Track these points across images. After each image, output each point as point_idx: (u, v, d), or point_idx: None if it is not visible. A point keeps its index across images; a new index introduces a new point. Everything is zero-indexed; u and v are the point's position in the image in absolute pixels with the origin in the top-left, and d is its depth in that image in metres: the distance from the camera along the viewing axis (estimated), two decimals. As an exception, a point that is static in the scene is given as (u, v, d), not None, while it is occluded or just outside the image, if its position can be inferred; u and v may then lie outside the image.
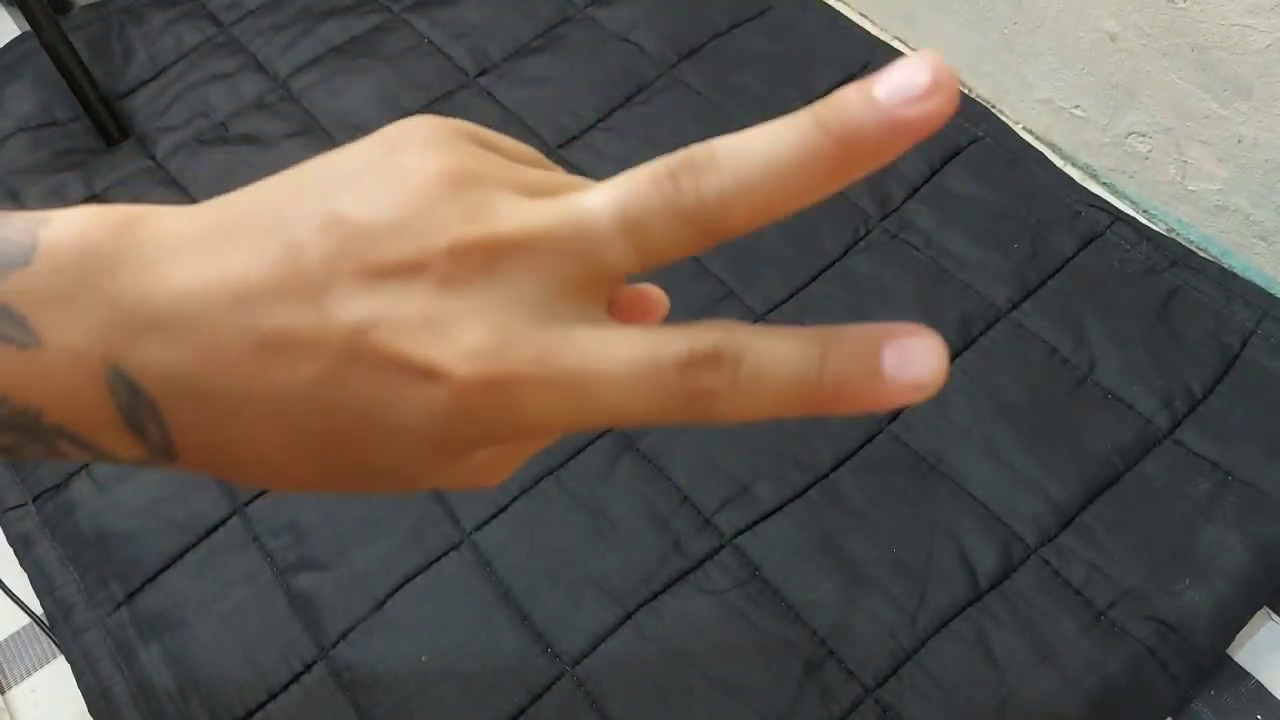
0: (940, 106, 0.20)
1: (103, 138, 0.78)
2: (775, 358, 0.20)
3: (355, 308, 0.20)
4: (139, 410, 0.21)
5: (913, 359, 0.20)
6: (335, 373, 0.20)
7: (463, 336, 0.20)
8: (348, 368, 0.20)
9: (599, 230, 0.21)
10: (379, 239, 0.21)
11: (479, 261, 0.20)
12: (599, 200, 0.21)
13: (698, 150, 0.21)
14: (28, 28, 0.80)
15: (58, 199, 0.74)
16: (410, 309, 0.20)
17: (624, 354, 0.20)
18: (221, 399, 0.21)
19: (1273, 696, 0.51)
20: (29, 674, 0.57)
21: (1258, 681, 0.51)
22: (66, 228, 0.21)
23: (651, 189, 0.21)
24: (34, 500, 0.61)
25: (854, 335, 0.21)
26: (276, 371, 0.20)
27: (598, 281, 0.22)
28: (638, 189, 0.21)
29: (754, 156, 0.20)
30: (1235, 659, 0.52)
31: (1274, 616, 0.53)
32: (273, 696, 0.52)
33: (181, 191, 0.74)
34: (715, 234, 0.21)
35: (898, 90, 0.19)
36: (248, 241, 0.22)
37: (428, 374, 0.20)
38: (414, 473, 0.22)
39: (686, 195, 0.20)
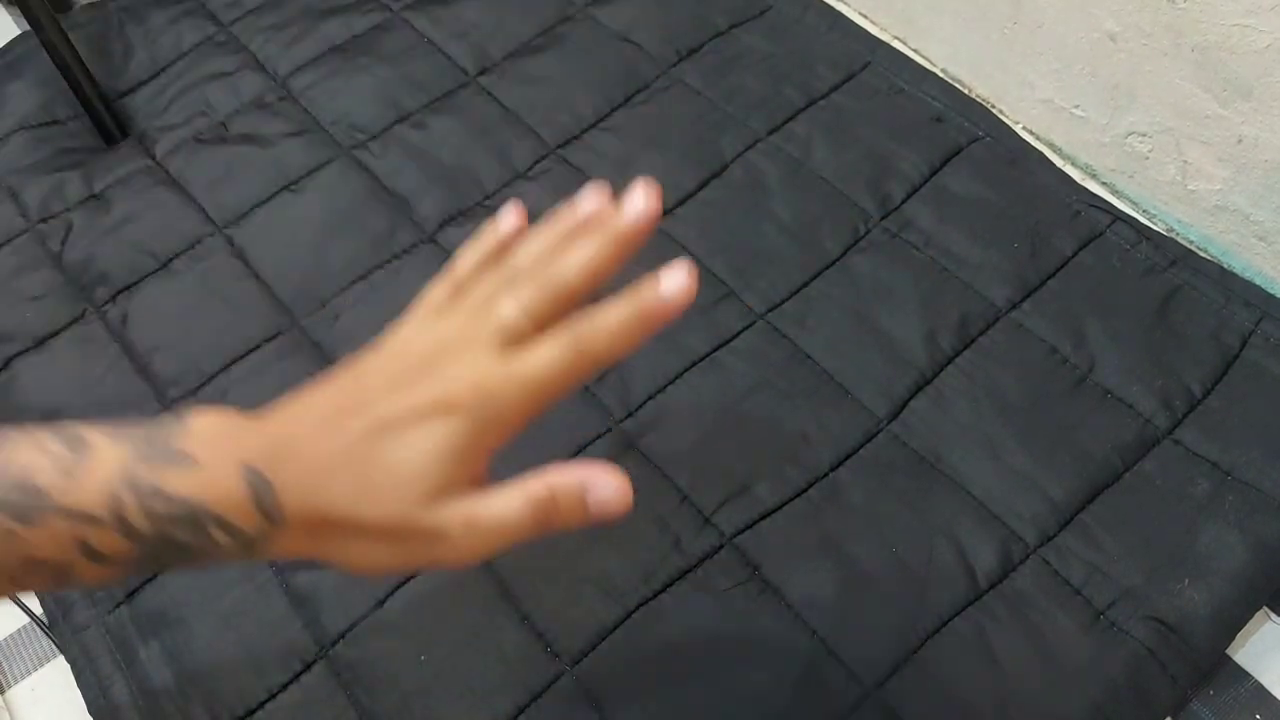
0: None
1: (103, 137, 0.78)
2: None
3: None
4: (261, 488, 0.34)
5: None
6: (362, 441, 0.35)
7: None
8: (371, 440, 0.35)
9: None
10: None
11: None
12: None
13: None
14: (28, 26, 0.79)
15: (57, 197, 0.74)
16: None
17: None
18: (315, 466, 0.34)
19: (1272, 696, 0.51)
20: (29, 673, 0.57)
21: (1257, 681, 0.51)
22: (195, 411, 0.35)
23: None
24: (33, 499, 0.61)
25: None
26: (339, 439, 0.35)
27: None
28: None
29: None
30: (1235, 659, 0.52)
31: (1273, 616, 0.54)
32: (272, 695, 0.52)
33: (181, 191, 0.74)
34: None
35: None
36: (312, 397, 0.37)
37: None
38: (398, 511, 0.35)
39: None
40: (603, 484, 0.35)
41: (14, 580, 0.32)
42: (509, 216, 0.40)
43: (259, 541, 0.35)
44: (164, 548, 0.34)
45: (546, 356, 0.35)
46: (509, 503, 0.35)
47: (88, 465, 0.33)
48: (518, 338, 0.36)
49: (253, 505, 0.34)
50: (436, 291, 0.40)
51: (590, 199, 0.38)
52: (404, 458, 0.34)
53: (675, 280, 0.35)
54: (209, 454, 0.34)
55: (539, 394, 0.36)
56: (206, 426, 0.35)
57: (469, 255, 0.40)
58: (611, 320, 0.36)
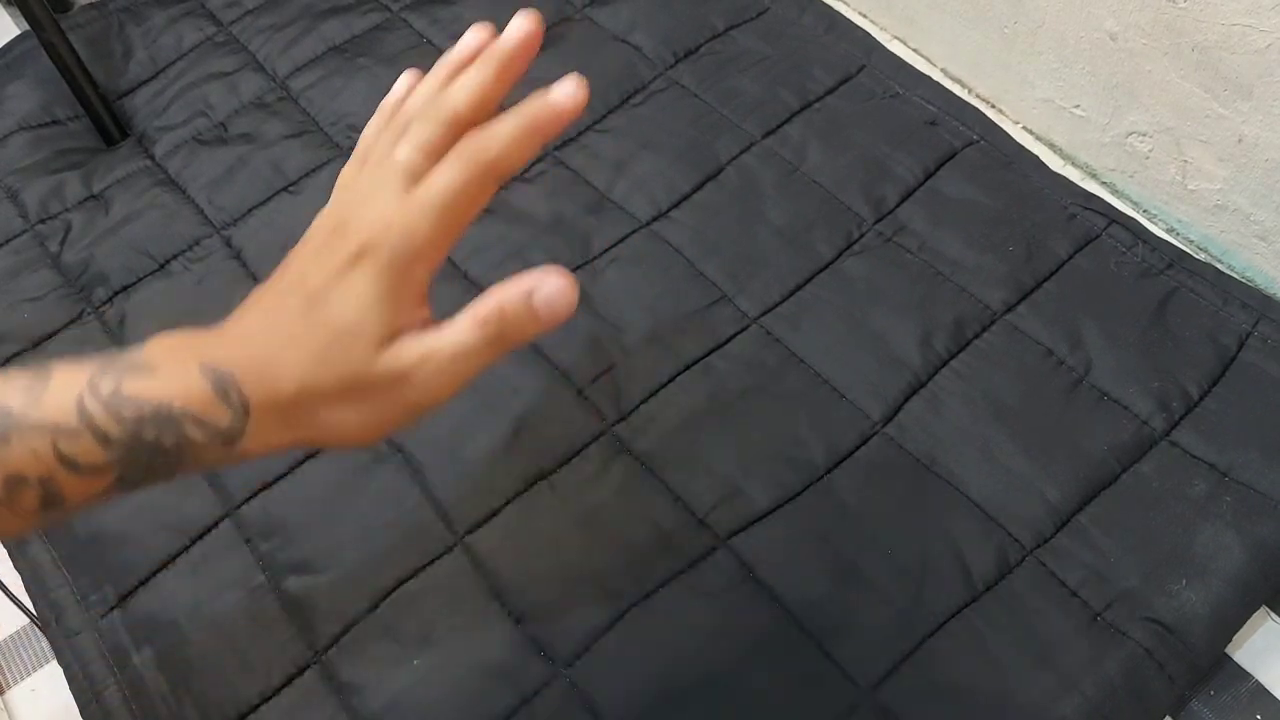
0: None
1: (102, 137, 0.78)
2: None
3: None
4: (222, 381, 0.35)
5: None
6: (302, 313, 0.36)
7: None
8: (314, 307, 0.36)
9: None
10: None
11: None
12: None
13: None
14: (28, 26, 0.80)
15: (57, 198, 0.75)
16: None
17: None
18: (266, 350, 0.36)
19: (1272, 696, 0.51)
20: (28, 674, 0.57)
21: (1257, 681, 0.51)
22: (153, 336, 0.37)
23: None
24: (30, 501, 0.61)
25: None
26: (282, 319, 0.36)
27: None
28: None
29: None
30: (1234, 659, 0.52)
31: (1273, 616, 0.53)
32: (265, 699, 0.52)
33: (180, 191, 0.74)
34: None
35: None
36: (256, 295, 0.38)
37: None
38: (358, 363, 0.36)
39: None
40: (546, 284, 0.35)
41: (6, 502, 0.33)
42: (402, 79, 0.41)
43: (236, 434, 0.36)
44: (141, 450, 0.35)
45: (444, 177, 0.36)
46: (459, 327, 0.36)
47: (53, 385, 0.34)
48: (418, 175, 0.37)
49: (218, 398, 0.35)
50: (347, 169, 0.40)
51: (470, 36, 0.40)
52: (339, 312, 0.36)
53: (564, 88, 0.37)
54: (167, 361, 0.35)
55: (446, 215, 0.36)
56: (162, 342, 0.36)
57: (371, 126, 0.41)
58: (502, 130, 0.37)
